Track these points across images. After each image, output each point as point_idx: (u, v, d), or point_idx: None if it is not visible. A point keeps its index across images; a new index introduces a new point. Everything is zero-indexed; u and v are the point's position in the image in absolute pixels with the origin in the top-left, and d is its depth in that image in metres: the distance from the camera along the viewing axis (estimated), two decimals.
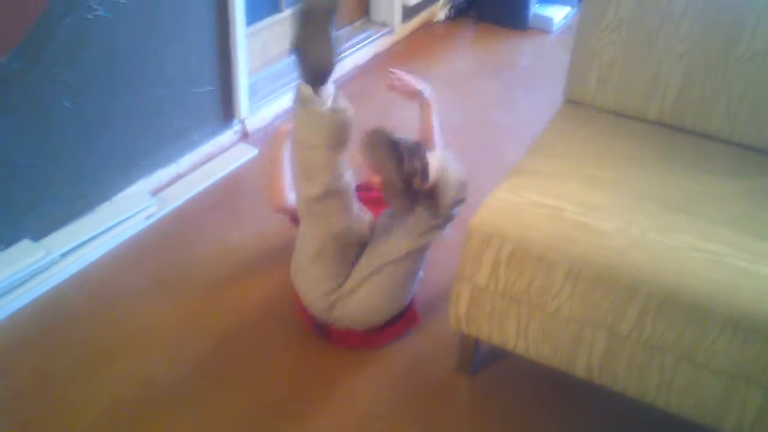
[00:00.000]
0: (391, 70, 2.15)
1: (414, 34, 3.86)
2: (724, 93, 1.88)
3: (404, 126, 2.69)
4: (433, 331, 1.98)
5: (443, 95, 3.31)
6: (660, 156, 1.85)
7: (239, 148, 2.76)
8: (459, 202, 1.81)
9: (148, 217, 2.34)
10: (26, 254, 2.04)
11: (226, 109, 2.71)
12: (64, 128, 2.10)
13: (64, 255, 2.11)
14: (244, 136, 2.83)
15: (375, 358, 1.90)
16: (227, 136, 2.75)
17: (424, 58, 3.62)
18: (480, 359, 1.89)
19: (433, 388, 1.84)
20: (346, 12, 3.55)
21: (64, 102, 2.06)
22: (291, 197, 2.04)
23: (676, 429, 1.64)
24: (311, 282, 1.88)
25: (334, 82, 1.86)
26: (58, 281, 2.08)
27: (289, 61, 3.14)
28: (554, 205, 1.62)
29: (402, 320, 1.95)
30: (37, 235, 2.11)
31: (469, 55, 3.85)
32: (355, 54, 3.42)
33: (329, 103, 1.80)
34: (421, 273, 1.96)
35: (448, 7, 4.07)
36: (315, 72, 1.80)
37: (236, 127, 2.79)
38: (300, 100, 1.82)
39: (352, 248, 1.89)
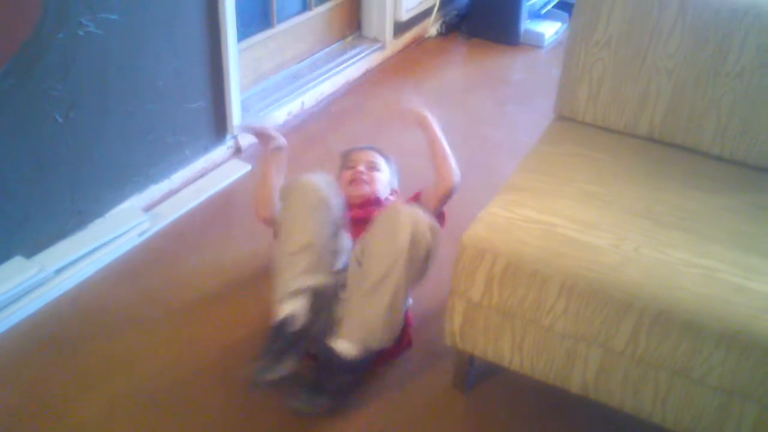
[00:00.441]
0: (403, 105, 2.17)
1: (406, 49, 3.88)
2: (713, 109, 1.90)
3: (396, 142, 2.71)
4: (427, 347, 1.98)
5: (435, 111, 3.32)
6: (651, 172, 1.86)
7: (232, 163, 2.76)
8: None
9: (141, 233, 2.33)
10: (19, 271, 2.03)
11: (218, 125, 2.72)
12: (56, 144, 2.10)
13: (57, 272, 2.11)
14: (237, 151, 2.83)
15: (369, 375, 1.89)
16: (220, 151, 2.76)
17: (415, 74, 3.63)
18: (475, 375, 1.89)
19: (428, 405, 1.84)
20: (338, 27, 3.57)
21: (56, 117, 2.06)
22: (278, 207, 2.04)
23: None
24: None
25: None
26: (51, 298, 2.07)
27: (281, 77, 3.17)
28: (547, 221, 1.63)
29: (395, 345, 1.94)
30: (30, 252, 2.10)
31: (461, 70, 3.87)
32: (346, 69, 3.43)
33: None
34: (410, 301, 1.95)
35: (440, 22, 4.10)
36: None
37: (229, 142, 2.79)
38: None
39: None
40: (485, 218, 1.65)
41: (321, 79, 3.28)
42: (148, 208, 2.44)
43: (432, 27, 4.06)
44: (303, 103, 3.16)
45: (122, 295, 2.12)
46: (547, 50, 3.98)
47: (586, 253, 1.54)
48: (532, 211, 1.66)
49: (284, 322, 1.73)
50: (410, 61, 3.78)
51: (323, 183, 1.87)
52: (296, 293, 1.77)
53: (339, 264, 1.90)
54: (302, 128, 3.06)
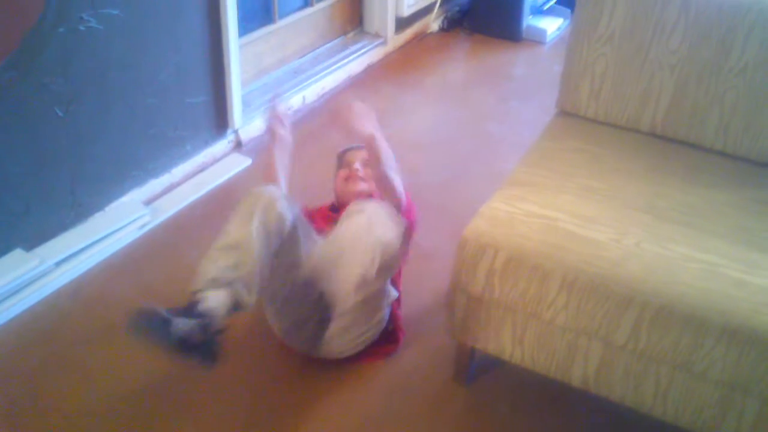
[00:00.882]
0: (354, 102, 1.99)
1: (407, 45, 3.87)
2: (716, 104, 1.89)
3: (396, 137, 2.70)
4: (428, 340, 1.98)
5: (437, 106, 3.33)
6: (653, 167, 1.85)
7: (233, 158, 2.76)
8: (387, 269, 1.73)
9: (142, 227, 2.33)
10: (19, 264, 2.03)
11: (219, 119, 2.71)
12: (57, 138, 2.09)
13: (57, 265, 2.10)
14: (238, 146, 2.82)
15: (370, 369, 1.89)
16: (221, 146, 2.75)
17: (417, 70, 3.63)
18: (476, 369, 1.89)
19: (429, 398, 1.84)
20: (340, 22, 3.57)
21: (57, 111, 2.06)
22: None
23: None
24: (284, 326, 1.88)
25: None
26: (51, 291, 2.07)
27: (282, 72, 3.17)
28: (548, 216, 1.62)
29: (386, 345, 1.94)
30: (30, 245, 2.10)
31: (463, 66, 3.86)
32: (347, 65, 3.42)
33: None
34: (396, 294, 1.93)
35: (442, 18, 4.09)
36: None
37: (230, 137, 2.79)
38: None
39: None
40: (487, 213, 1.64)
41: (322, 74, 3.27)
42: (148, 202, 2.44)
43: (434, 23, 4.06)
44: (304, 98, 3.16)
45: (122, 288, 2.12)
46: (550, 46, 3.97)
47: (588, 247, 1.54)
48: (533, 205, 1.66)
49: (203, 313, 1.60)
50: (412, 56, 3.78)
51: (280, 194, 1.77)
52: (215, 282, 1.64)
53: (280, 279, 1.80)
54: (303, 123, 3.05)
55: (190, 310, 1.60)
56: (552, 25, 4.05)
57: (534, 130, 2.09)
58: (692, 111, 1.92)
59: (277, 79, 3.14)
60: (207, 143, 2.69)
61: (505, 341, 1.66)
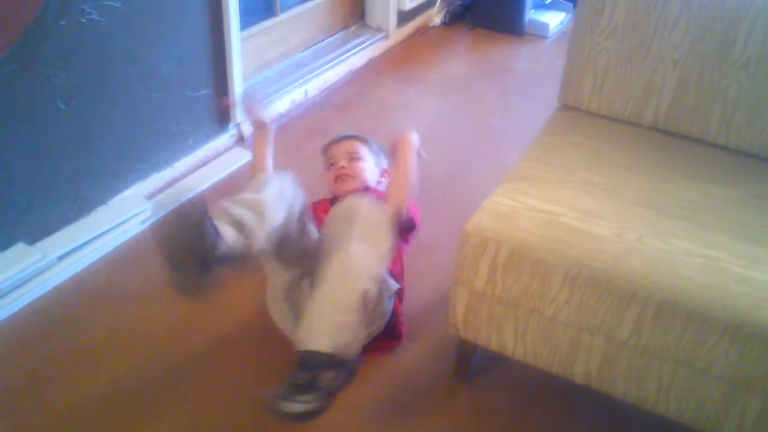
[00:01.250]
0: None
1: (409, 39, 3.87)
2: (718, 99, 1.89)
3: (398, 129, 2.70)
4: (429, 336, 1.98)
5: (439, 100, 3.33)
6: (655, 162, 1.85)
7: (235, 152, 2.76)
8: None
9: (144, 221, 2.33)
10: (22, 257, 2.03)
11: (221, 113, 2.71)
12: (59, 131, 2.09)
13: (60, 258, 2.11)
14: (240, 140, 2.82)
15: (371, 365, 1.89)
16: (223, 140, 2.75)
17: (419, 64, 3.62)
18: (477, 365, 1.89)
19: (431, 395, 1.84)
20: (341, 16, 3.56)
21: (59, 104, 2.06)
22: None
23: None
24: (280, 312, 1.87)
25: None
26: (54, 285, 2.08)
27: (284, 66, 3.17)
28: (550, 210, 1.62)
29: (386, 340, 1.93)
30: (32, 239, 2.11)
31: (465, 60, 3.85)
32: (349, 59, 3.42)
33: None
34: (397, 286, 1.91)
35: (444, 12, 4.08)
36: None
37: (232, 131, 2.79)
38: None
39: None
40: (489, 207, 1.64)
41: (324, 68, 3.27)
42: (150, 196, 2.44)
43: (436, 16, 4.05)
44: (306, 92, 3.16)
45: (124, 282, 2.13)
46: (552, 40, 3.97)
47: (590, 242, 1.53)
48: (535, 200, 1.65)
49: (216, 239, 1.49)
50: (414, 50, 3.77)
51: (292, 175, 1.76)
52: (228, 217, 1.55)
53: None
54: (305, 117, 3.05)
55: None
56: (554, 20, 4.04)
57: (536, 124, 2.09)
58: (695, 105, 1.92)
59: (278, 73, 3.13)
60: (209, 137, 2.69)
61: (507, 337, 1.66)
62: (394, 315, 1.93)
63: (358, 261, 1.60)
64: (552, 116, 2.09)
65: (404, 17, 3.79)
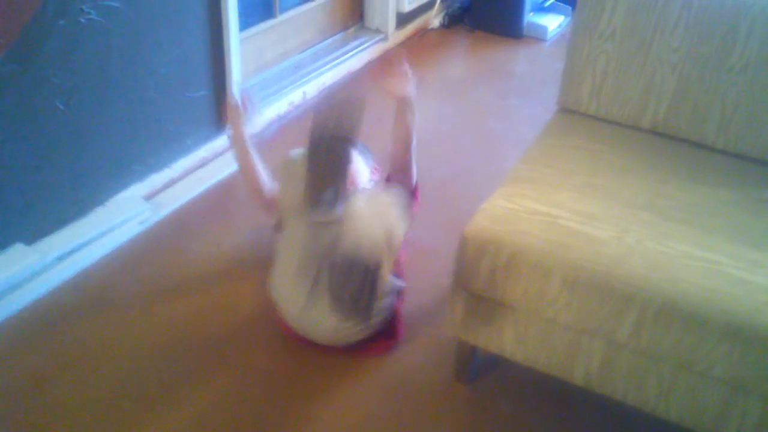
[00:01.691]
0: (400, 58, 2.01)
1: (408, 41, 3.87)
2: (717, 102, 1.89)
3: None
4: (429, 338, 1.98)
5: (437, 103, 3.33)
6: (654, 165, 1.85)
7: (233, 153, 2.75)
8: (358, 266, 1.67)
9: (142, 222, 2.33)
10: (20, 258, 2.02)
11: (220, 114, 2.71)
12: (58, 131, 2.09)
13: (58, 259, 2.10)
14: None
15: (370, 366, 1.89)
16: (221, 140, 2.75)
17: (418, 66, 3.60)
18: (477, 367, 1.89)
19: (430, 397, 1.84)
20: (340, 18, 3.56)
21: (58, 105, 2.05)
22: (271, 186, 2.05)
23: None
24: (290, 294, 1.86)
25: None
26: (52, 285, 2.07)
27: (283, 67, 3.16)
28: (550, 213, 1.62)
29: (385, 340, 1.94)
30: (30, 240, 2.10)
31: (464, 63, 3.86)
32: (348, 60, 3.42)
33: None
34: (401, 284, 1.94)
35: (443, 14, 4.08)
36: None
37: (230, 132, 2.78)
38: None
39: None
40: (488, 210, 1.64)
41: (323, 69, 3.26)
42: (149, 197, 2.44)
43: (435, 19, 4.05)
44: (305, 93, 3.15)
45: (123, 283, 2.12)
46: (551, 43, 3.97)
47: (589, 245, 1.54)
48: (534, 203, 1.66)
49: None
50: (412, 53, 3.76)
51: None
52: None
53: None
54: (303, 119, 3.04)
55: None
56: (553, 23, 4.05)
57: (535, 127, 2.09)
58: (693, 109, 1.92)
59: (277, 74, 3.13)
60: (208, 138, 2.68)
61: (506, 340, 1.66)
62: (394, 314, 1.93)
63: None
64: (551, 119, 2.09)
65: (403, 19, 3.79)
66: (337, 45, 3.47)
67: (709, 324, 1.41)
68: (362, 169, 2.14)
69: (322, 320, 1.82)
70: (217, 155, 2.72)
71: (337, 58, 3.36)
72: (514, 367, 1.73)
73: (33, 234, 2.11)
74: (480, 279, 1.60)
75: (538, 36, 3.99)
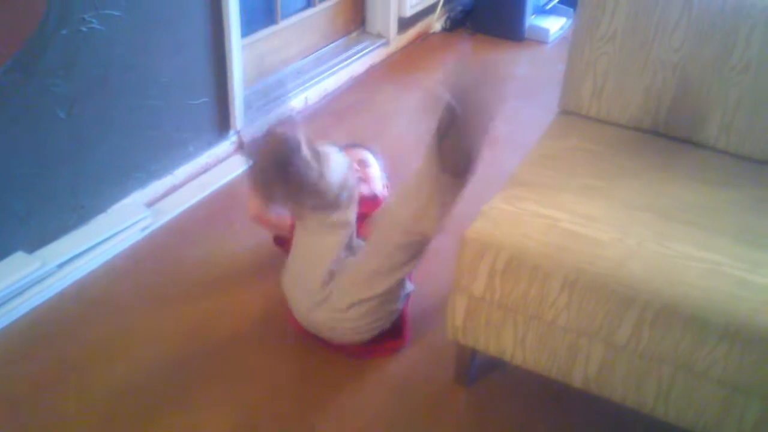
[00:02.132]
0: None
1: (410, 45, 3.87)
2: (718, 103, 1.88)
3: (399, 137, 2.71)
4: (429, 341, 1.97)
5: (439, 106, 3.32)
6: (655, 166, 1.85)
7: (235, 159, 2.76)
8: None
9: (144, 228, 2.33)
10: (21, 266, 2.03)
11: (222, 121, 2.71)
12: (59, 139, 2.09)
13: (59, 267, 2.11)
14: (241, 147, 2.82)
15: (370, 369, 1.89)
16: (223, 147, 2.75)
17: (419, 70, 3.62)
18: (477, 370, 1.88)
19: (430, 400, 1.83)
20: (342, 23, 3.56)
21: (59, 113, 2.06)
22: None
23: None
24: (300, 292, 1.87)
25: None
26: (53, 293, 2.07)
27: (285, 73, 3.17)
28: (550, 215, 1.62)
29: (392, 341, 1.94)
30: (32, 247, 2.10)
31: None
32: (350, 65, 3.42)
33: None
34: (411, 287, 1.95)
35: (444, 18, 4.09)
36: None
37: (232, 138, 2.79)
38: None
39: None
40: (488, 212, 1.64)
41: (325, 75, 3.27)
42: (150, 204, 2.44)
43: (436, 23, 4.05)
44: (307, 99, 3.16)
45: (125, 291, 2.12)
46: (552, 46, 3.97)
47: (590, 247, 1.53)
48: (535, 205, 1.65)
49: None
50: (414, 57, 3.77)
51: None
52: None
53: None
54: (306, 124, 3.04)
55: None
56: (555, 25, 4.04)
57: (536, 129, 2.09)
58: (695, 109, 1.92)
59: (279, 80, 3.13)
60: (209, 144, 2.69)
61: (506, 342, 1.65)
62: (401, 316, 1.93)
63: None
64: (552, 121, 2.09)
65: (405, 24, 3.79)
66: (339, 50, 3.48)
67: (708, 325, 1.40)
68: (377, 175, 2.17)
69: (331, 317, 1.83)
70: (219, 161, 2.72)
71: (339, 63, 3.37)
72: (514, 370, 1.73)
73: (34, 242, 2.12)
74: (480, 282, 1.59)
75: (539, 39, 3.99)
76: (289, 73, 3.21)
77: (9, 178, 2.00)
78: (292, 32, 3.22)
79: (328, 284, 1.82)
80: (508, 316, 1.61)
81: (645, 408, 1.56)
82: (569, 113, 2.10)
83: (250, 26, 2.89)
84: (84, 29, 2.05)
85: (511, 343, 1.64)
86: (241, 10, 2.61)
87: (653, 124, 1.98)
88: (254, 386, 1.84)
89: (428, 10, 3.95)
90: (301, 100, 3.12)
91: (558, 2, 4.24)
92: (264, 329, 2.00)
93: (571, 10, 4.08)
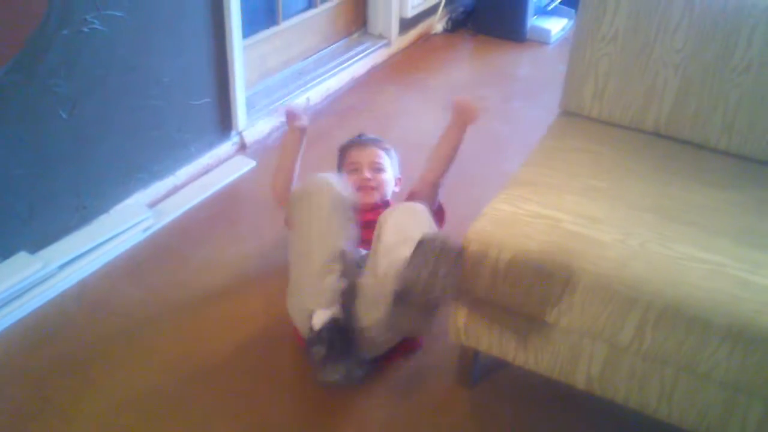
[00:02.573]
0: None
1: (411, 46, 3.87)
2: (720, 104, 1.88)
3: (401, 137, 2.71)
4: (431, 342, 1.97)
5: (441, 106, 3.32)
6: (657, 167, 1.85)
7: (237, 160, 2.76)
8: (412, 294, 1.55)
9: (146, 229, 2.33)
10: (23, 266, 2.03)
11: (223, 121, 2.71)
12: (61, 140, 2.10)
13: (61, 267, 2.11)
14: (242, 148, 2.83)
15: (373, 371, 1.89)
16: (225, 148, 2.76)
17: (421, 71, 3.62)
18: (479, 371, 1.88)
19: (433, 401, 1.83)
20: (344, 24, 3.57)
21: (61, 114, 2.06)
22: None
23: None
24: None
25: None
26: (56, 294, 2.08)
27: (287, 74, 3.17)
28: (552, 216, 1.62)
29: (408, 343, 1.93)
30: (34, 248, 2.11)
31: (467, 67, 3.86)
32: (351, 66, 3.42)
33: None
34: None
35: (446, 19, 4.09)
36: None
37: (234, 139, 2.79)
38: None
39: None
40: (490, 213, 1.64)
41: (326, 75, 3.27)
42: (152, 204, 2.44)
43: (438, 23, 4.05)
44: (308, 99, 3.16)
45: (126, 291, 2.12)
46: (554, 46, 3.97)
47: (592, 248, 1.53)
48: (537, 206, 1.65)
49: (328, 328, 1.64)
50: (416, 57, 3.77)
51: (336, 182, 1.83)
52: (331, 301, 1.69)
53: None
54: (309, 124, 3.05)
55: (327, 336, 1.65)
56: (556, 26, 4.05)
57: (538, 130, 2.09)
58: (696, 110, 1.92)
59: (281, 81, 3.14)
60: (211, 145, 2.69)
61: (508, 344, 1.65)
62: None
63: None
64: (554, 122, 2.09)
65: (406, 24, 3.80)
66: (340, 51, 3.48)
67: (711, 326, 1.39)
68: (391, 180, 2.17)
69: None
70: (221, 162, 2.72)
71: (340, 64, 3.37)
72: (516, 371, 1.73)
73: (36, 242, 2.12)
74: (481, 282, 1.59)
75: (541, 39, 3.99)
76: (291, 74, 3.21)
77: (11, 178, 2.00)
78: (293, 33, 3.22)
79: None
80: (510, 317, 1.61)
81: (648, 409, 1.56)
82: (571, 114, 2.09)
83: (251, 27, 2.89)
84: (85, 30, 2.05)
85: (514, 344, 1.64)
86: (243, 11, 2.61)
87: (655, 124, 1.98)
88: (255, 393, 1.83)
89: (430, 11, 3.95)
90: (302, 101, 3.12)
91: (559, 3, 4.24)
92: (265, 334, 2.00)
93: (573, 11, 4.08)
